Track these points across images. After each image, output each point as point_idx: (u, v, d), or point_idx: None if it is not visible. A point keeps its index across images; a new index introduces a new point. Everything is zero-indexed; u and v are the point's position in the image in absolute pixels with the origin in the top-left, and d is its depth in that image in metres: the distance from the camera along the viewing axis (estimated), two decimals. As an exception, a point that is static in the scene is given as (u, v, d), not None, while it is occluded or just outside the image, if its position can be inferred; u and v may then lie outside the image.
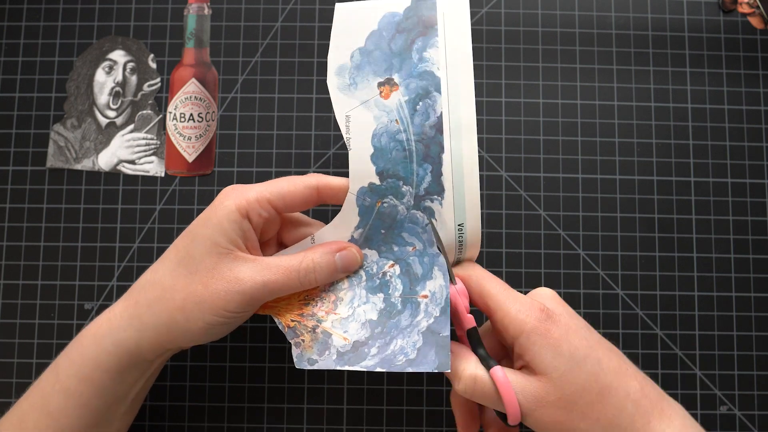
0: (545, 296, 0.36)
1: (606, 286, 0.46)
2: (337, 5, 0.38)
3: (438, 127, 0.36)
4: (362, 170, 0.37)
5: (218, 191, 0.46)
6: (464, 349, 0.35)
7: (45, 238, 0.46)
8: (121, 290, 0.46)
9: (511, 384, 0.33)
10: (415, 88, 0.36)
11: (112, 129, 0.47)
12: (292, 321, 0.37)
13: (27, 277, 0.46)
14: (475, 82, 0.48)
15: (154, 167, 0.47)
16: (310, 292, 0.37)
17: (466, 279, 0.37)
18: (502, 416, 0.34)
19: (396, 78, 0.37)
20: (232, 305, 0.34)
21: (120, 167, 0.47)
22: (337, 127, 0.47)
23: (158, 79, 0.48)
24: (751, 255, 0.46)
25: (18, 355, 0.45)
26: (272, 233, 0.39)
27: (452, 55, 0.36)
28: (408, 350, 0.34)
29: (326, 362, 0.35)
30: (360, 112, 0.37)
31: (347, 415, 0.44)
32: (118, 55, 0.48)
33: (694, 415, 0.44)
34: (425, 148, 0.36)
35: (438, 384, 0.45)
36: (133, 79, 0.48)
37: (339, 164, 0.47)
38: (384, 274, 0.37)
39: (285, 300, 0.37)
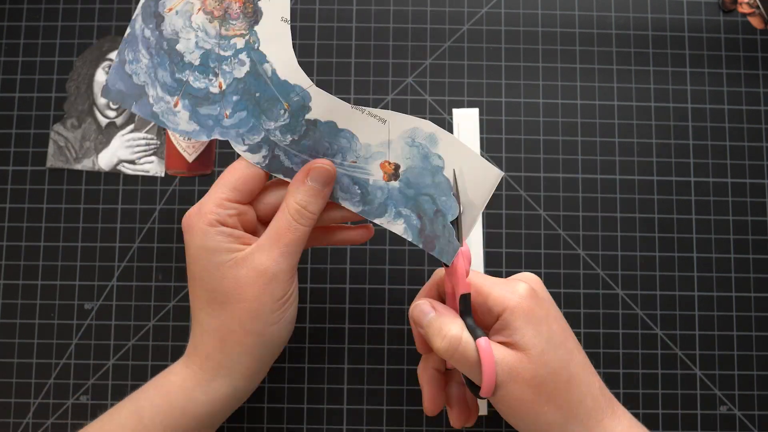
0: (531, 279, 0.36)
1: (606, 286, 0.46)
2: None
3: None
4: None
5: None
6: (452, 312, 0.35)
7: (45, 238, 0.46)
8: (121, 290, 0.46)
9: (494, 354, 0.33)
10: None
11: (112, 129, 0.47)
12: None
13: (27, 277, 0.46)
14: (475, 82, 0.48)
15: (154, 167, 0.47)
16: None
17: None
18: (474, 388, 0.34)
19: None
20: (277, 293, 0.34)
21: (120, 167, 0.47)
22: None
23: (158, 79, 0.48)
24: (751, 255, 0.46)
25: (18, 355, 0.45)
26: (252, 222, 0.38)
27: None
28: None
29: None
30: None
31: (347, 415, 0.44)
32: (118, 55, 0.48)
33: (694, 415, 0.44)
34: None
35: (438, 384, 0.45)
36: (133, 79, 0.48)
37: (339, 164, 0.47)
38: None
39: None
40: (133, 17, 0.35)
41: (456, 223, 0.36)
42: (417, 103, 0.48)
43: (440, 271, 0.38)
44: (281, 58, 0.35)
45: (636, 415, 0.43)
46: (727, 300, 0.46)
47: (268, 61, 0.34)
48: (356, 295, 0.46)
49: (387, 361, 0.45)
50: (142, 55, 0.35)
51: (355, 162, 0.34)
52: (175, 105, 0.35)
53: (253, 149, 0.35)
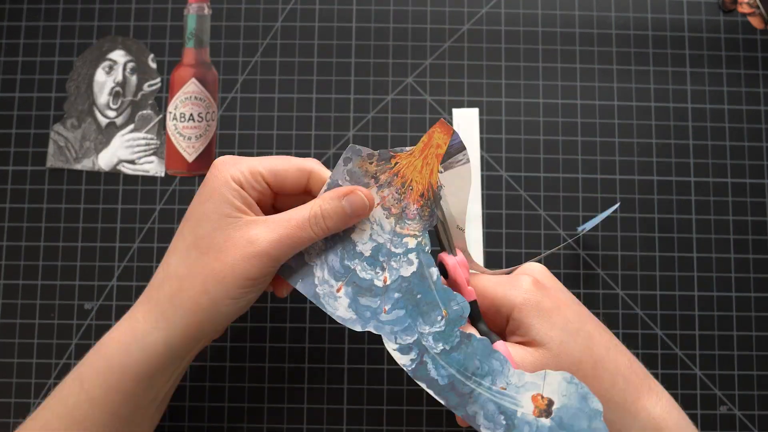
0: (535, 270, 0.36)
1: (606, 286, 0.46)
2: None
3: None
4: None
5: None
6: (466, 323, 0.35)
7: (45, 238, 0.46)
8: (121, 290, 0.46)
9: (512, 357, 0.33)
10: None
11: (112, 129, 0.47)
12: None
13: (27, 277, 0.46)
14: (476, 82, 0.48)
15: (154, 167, 0.47)
16: None
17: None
18: None
19: None
20: (253, 270, 0.33)
21: (120, 167, 0.47)
22: (337, 127, 0.47)
23: (158, 79, 0.48)
24: (751, 255, 0.46)
25: (18, 355, 0.45)
26: (268, 206, 0.38)
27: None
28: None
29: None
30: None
31: (347, 415, 0.44)
32: (118, 55, 0.48)
33: (694, 415, 0.44)
34: None
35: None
36: (133, 79, 0.48)
37: (339, 164, 0.47)
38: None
39: None
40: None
41: (442, 236, 0.36)
42: (417, 103, 0.48)
43: None
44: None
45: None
46: (727, 300, 0.46)
47: (435, 266, 0.35)
48: (356, 295, 0.46)
49: (387, 361, 0.45)
50: None
51: (505, 389, 0.32)
52: (338, 290, 0.35)
53: (404, 350, 0.34)
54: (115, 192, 0.47)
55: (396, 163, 0.36)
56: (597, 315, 0.45)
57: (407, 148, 0.35)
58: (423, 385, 0.33)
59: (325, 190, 0.36)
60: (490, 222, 0.46)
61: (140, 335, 0.34)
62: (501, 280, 0.35)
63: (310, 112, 0.48)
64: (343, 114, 0.48)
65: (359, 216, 0.35)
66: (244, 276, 0.33)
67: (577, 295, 0.46)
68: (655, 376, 0.45)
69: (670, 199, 0.47)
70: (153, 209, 0.47)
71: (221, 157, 0.35)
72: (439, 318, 0.34)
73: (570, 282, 0.46)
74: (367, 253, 0.35)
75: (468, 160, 0.36)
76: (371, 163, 0.36)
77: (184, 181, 0.47)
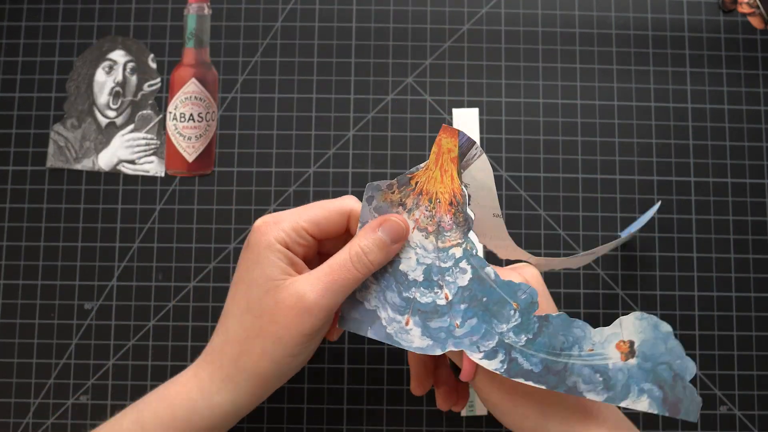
0: (530, 275, 0.36)
1: (606, 286, 0.46)
2: None
3: None
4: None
5: (218, 191, 0.46)
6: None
7: (45, 238, 0.46)
8: (121, 290, 0.46)
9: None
10: None
11: (112, 129, 0.47)
12: None
13: (27, 277, 0.46)
14: (476, 82, 0.48)
15: (154, 167, 0.47)
16: None
17: None
18: (457, 370, 0.35)
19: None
20: (307, 326, 0.33)
21: (120, 167, 0.47)
22: (337, 127, 0.47)
23: (158, 79, 0.48)
24: (751, 255, 0.46)
25: (18, 355, 0.45)
26: (314, 255, 0.38)
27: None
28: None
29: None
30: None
31: (347, 415, 0.44)
32: (118, 55, 0.48)
33: (694, 415, 0.44)
34: None
35: (438, 384, 0.45)
36: (133, 79, 0.48)
37: (339, 164, 0.47)
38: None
39: None
40: None
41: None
42: (417, 103, 0.48)
43: None
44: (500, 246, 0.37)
45: (636, 415, 0.43)
46: (727, 300, 0.46)
47: (489, 265, 0.35)
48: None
49: (387, 361, 0.45)
50: (369, 281, 0.35)
51: (592, 350, 0.33)
52: (407, 323, 0.35)
53: (489, 355, 0.34)
54: (115, 192, 0.47)
55: (416, 183, 0.36)
56: (597, 315, 0.45)
57: (421, 165, 0.35)
58: (521, 380, 0.33)
59: (360, 229, 0.36)
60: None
61: (208, 394, 0.34)
62: (501, 271, 0.35)
63: (310, 112, 0.48)
64: (343, 114, 0.48)
65: (398, 241, 0.35)
66: (300, 333, 0.33)
67: (577, 295, 0.46)
68: (655, 376, 0.45)
69: (670, 199, 0.47)
70: (153, 209, 0.47)
71: (262, 219, 0.35)
72: (512, 312, 0.34)
73: (570, 282, 0.46)
74: (421, 278, 0.35)
75: (482, 152, 0.35)
76: (393, 193, 0.36)
77: (184, 181, 0.47)
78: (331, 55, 0.48)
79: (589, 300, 0.46)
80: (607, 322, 0.45)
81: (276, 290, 0.34)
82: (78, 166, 0.47)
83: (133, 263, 0.46)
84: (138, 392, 0.44)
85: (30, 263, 0.46)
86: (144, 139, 0.47)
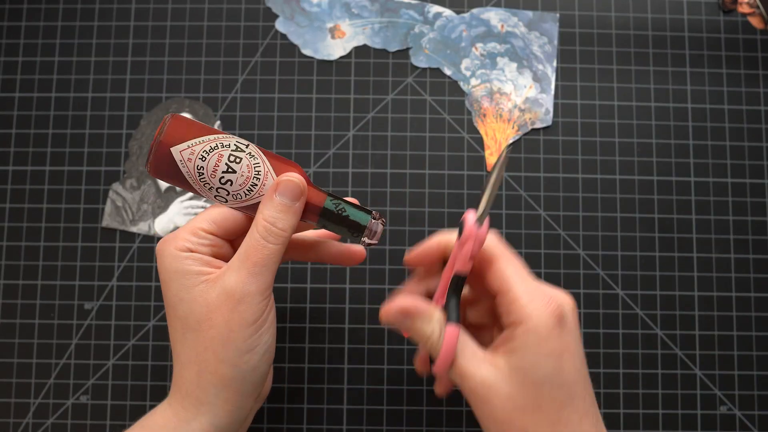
0: (566, 304, 0.32)
1: (606, 286, 0.46)
2: None
3: None
4: None
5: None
6: (424, 306, 0.33)
7: (45, 238, 0.46)
8: (121, 290, 0.46)
9: (470, 360, 0.31)
10: None
11: (172, 194, 0.47)
12: None
13: (27, 277, 0.46)
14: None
15: None
16: None
17: (486, 253, 0.34)
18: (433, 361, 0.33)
19: None
20: (246, 315, 0.32)
21: None
22: (337, 127, 0.47)
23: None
24: (751, 255, 0.46)
25: (18, 355, 0.45)
26: (229, 256, 0.36)
27: None
28: None
29: None
30: None
31: (347, 415, 0.44)
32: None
33: (694, 415, 0.44)
34: None
35: (438, 384, 0.45)
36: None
37: (339, 164, 0.47)
38: None
39: None
40: None
41: (484, 193, 0.33)
42: (417, 103, 0.48)
43: (443, 239, 0.36)
44: None
45: (636, 415, 0.43)
46: (727, 300, 0.46)
47: None
48: (356, 294, 0.46)
49: (387, 361, 0.45)
50: None
51: None
52: None
53: None
54: (115, 192, 0.47)
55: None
56: (597, 315, 0.45)
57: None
58: None
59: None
60: (490, 222, 0.46)
61: (184, 422, 0.33)
62: (530, 290, 0.32)
63: (310, 112, 0.48)
64: (343, 114, 0.48)
65: (301, 197, 0.33)
66: (242, 325, 0.32)
67: (577, 296, 0.46)
68: (655, 376, 0.45)
69: (670, 199, 0.47)
70: (153, 209, 0.47)
71: (159, 242, 0.34)
72: None
73: (570, 282, 0.46)
74: None
75: (506, 152, 0.33)
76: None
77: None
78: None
79: (589, 300, 0.46)
80: (608, 322, 0.45)
81: (201, 296, 0.33)
82: (134, 229, 0.46)
83: (133, 263, 0.46)
84: (138, 392, 0.44)
85: (30, 263, 0.46)
86: (202, 207, 0.46)
